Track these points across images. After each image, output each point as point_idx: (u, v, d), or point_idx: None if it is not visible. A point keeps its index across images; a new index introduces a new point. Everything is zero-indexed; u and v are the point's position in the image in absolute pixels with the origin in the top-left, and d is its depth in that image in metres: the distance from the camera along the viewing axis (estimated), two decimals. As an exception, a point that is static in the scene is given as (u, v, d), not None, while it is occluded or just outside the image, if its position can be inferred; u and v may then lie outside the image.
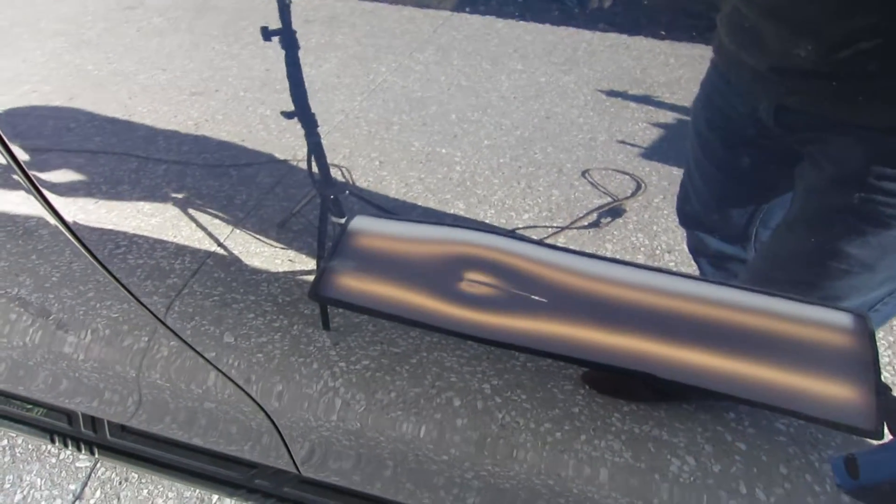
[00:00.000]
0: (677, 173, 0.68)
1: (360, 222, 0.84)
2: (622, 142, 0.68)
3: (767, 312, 0.68)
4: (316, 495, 1.39)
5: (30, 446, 1.71)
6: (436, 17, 0.71)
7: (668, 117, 0.66)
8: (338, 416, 0.94)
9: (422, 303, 0.81)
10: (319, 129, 0.81)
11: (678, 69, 0.62)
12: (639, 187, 0.69)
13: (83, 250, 1.00)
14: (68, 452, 1.63)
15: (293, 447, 1.13)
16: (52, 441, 1.56)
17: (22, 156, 0.93)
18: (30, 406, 1.58)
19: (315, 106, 0.79)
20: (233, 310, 1.00)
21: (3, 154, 0.90)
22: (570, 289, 0.75)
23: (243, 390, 1.04)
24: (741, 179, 0.68)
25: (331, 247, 0.88)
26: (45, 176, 0.98)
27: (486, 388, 0.87)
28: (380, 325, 0.91)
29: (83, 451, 1.53)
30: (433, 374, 0.89)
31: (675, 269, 0.72)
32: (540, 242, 0.76)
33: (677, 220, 0.69)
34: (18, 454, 1.81)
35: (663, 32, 0.60)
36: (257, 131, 0.86)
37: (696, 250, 0.71)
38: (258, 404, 1.04)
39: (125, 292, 1.07)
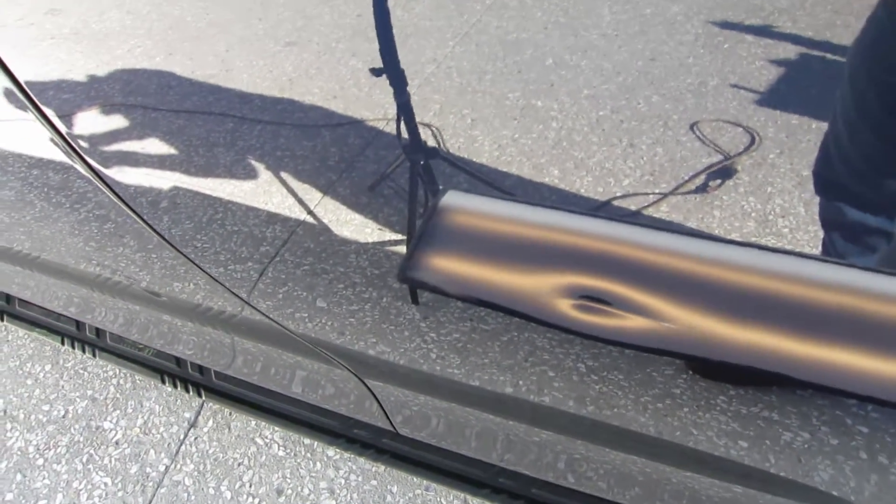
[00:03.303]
0: (797, 122, 0.64)
1: (453, 198, 0.86)
2: (735, 86, 0.65)
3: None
4: (414, 448, 1.49)
5: (147, 376, 2.04)
6: (537, -53, 0.72)
7: (790, 52, 0.61)
8: (432, 371, 0.98)
9: (522, 295, 0.82)
10: (409, 87, 0.84)
11: (804, -9, 0.59)
12: (752, 141, 0.65)
13: (152, 232, 1.11)
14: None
15: (389, 407, 1.19)
16: (163, 381, 1.87)
17: (117, 121, 1.05)
18: (142, 346, 1.85)
19: (405, 55, 0.83)
20: (323, 279, 1.07)
21: (46, 126, 1.01)
22: (702, 282, 0.72)
23: (334, 359, 1.11)
24: None
25: (420, 224, 0.91)
26: (150, 142, 1.10)
27: (581, 367, 0.87)
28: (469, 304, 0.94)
29: (190, 392, 1.77)
30: (525, 351, 0.90)
31: (799, 251, 0.67)
32: (650, 227, 0.74)
33: (813, 186, 0.65)
34: (139, 381, 2.21)
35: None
36: (349, 87, 0.91)
37: (831, 222, 0.66)
38: (351, 371, 1.11)
39: (220, 257, 1.18)
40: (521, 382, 0.93)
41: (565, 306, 0.79)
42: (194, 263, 1.18)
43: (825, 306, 0.67)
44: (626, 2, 0.68)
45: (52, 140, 1.18)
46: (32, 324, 2.05)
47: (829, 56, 0.62)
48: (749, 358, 0.71)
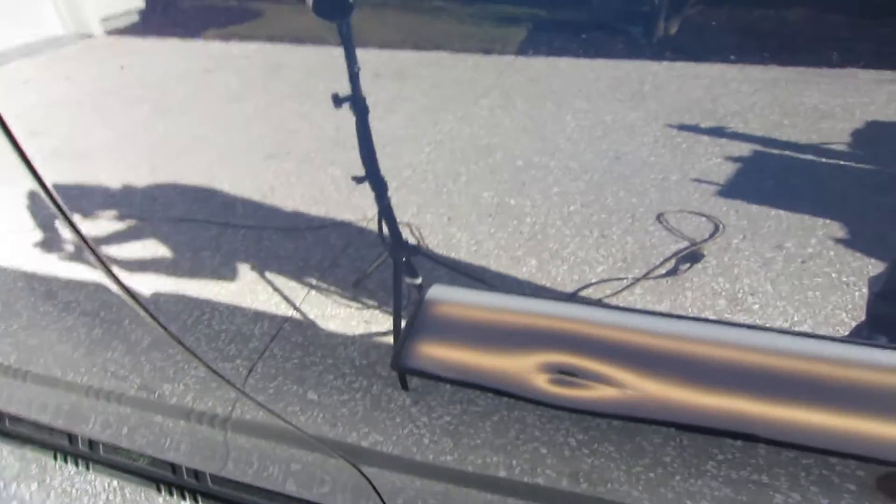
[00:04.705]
0: (756, 210, 0.67)
1: (438, 291, 0.87)
2: (697, 180, 0.67)
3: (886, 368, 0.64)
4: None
5: (138, 487, 1.88)
6: (499, 63, 0.74)
7: (744, 149, 0.64)
8: (426, 456, 0.97)
9: (508, 375, 0.82)
10: (389, 192, 0.85)
11: (752, 95, 0.62)
12: (717, 229, 0.68)
13: (157, 325, 1.09)
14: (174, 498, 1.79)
15: (386, 495, 1.16)
16: (159, 490, 1.72)
17: (107, 228, 1.04)
18: (136, 456, 1.75)
19: (383, 161, 0.84)
20: (313, 371, 1.05)
21: (75, 234, 1.00)
22: (661, 354, 0.74)
23: (330, 453, 1.08)
24: None
25: (409, 316, 0.91)
26: (133, 246, 1.09)
27: (572, 442, 0.87)
28: (458, 386, 0.93)
29: (187, 500, 1.67)
30: (516, 429, 0.90)
31: (773, 326, 0.69)
32: (624, 308, 0.76)
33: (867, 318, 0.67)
34: (128, 495, 2.04)
35: (733, 57, 0.60)
36: (329, 193, 0.91)
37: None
38: (348, 461, 1.08)
39: (209, 355, 1.16)
40: (514, 462, 0.92)
41: (549, 383, 0.80)
42: (195, 355, 1.15)
43: (794, 373, 0.68)
44: (587, 110, 0.70)
45: (71, 243, 1.17)
46: (24, 440, 1.94)
47: (780, 152, 0.65)
48: (724, 422, 0.72)
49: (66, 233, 1.20)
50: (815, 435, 0.68)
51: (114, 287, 1.13)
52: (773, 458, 0.78)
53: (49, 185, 1.06)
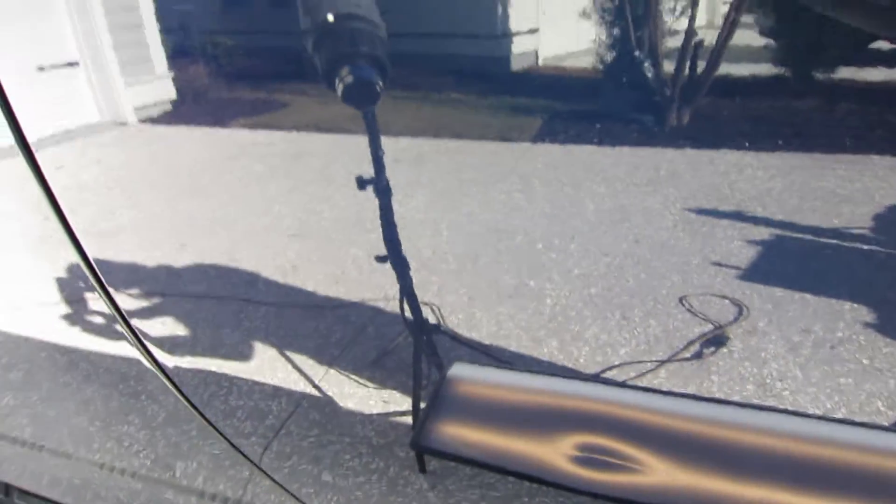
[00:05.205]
0: (780, 294, 0.65)
1: (459, 370, 0.86)
2: (717, 263, 0.66)
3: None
4: None
5: None
6: (517, 149, 0.74)
7: (764, 233, 0.64)
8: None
9: (530, 457, 0.80)
10: (411, 271, 0.85)
11: (768, 181, 0.61)
12: (741, 312, 0.67)
13: (180, 396, 1.08)
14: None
15: None
16: None
17: (132, 304, 1.04)
18: None
19: (403, 243, 0.84)
20: (329, 451, 1.03)
21: (108, 305, 1.00)
22: (688, 437, 0.71)
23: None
24: None
25: (430, 395, 0.89)
26: (156, 321, 1.08)
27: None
28: (477, 470, 0.90)
29: None
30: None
31: (809, 412, 0.67)
32: (649, 390, 0.74)
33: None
34: None
35: (747, 144, 0.60)
36: (350, 272, 0.91)
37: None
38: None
39: (228, 431, 1.13)
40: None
41: (572, 466, 0.77)
42: (216, 429, 1.13)
43: (828, 463, 0.65)
44: (605, 194, 0.70)
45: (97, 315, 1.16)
46: (30, 517, 1.88)
47: (801, 235, 0.64)
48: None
49: (91, 305, 1.20)
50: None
51: (141, 359, 1.12)
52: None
53: (90, 258, 1.07)
